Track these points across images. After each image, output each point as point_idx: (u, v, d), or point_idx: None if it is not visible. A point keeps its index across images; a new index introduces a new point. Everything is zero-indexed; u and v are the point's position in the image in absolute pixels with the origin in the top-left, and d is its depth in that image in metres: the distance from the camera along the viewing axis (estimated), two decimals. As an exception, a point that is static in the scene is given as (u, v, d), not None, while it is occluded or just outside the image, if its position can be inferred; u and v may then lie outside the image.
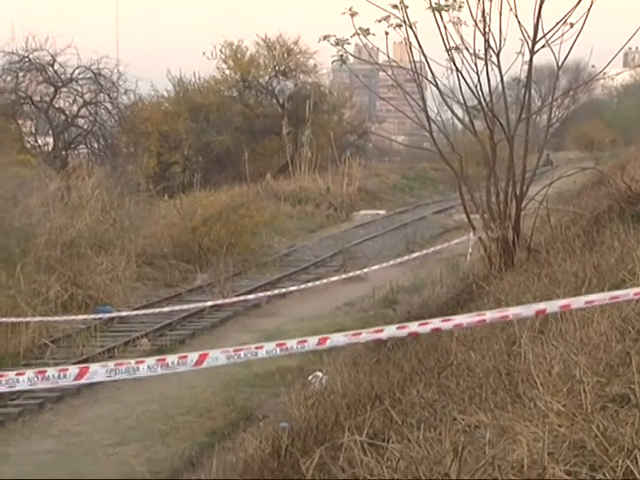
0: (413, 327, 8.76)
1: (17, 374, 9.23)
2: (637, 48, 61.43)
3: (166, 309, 22.43)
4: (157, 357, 10.36)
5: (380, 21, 16.43)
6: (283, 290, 24.46)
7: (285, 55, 47.04)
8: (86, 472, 14.58)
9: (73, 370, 9.19)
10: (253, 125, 45.17)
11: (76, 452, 15.43)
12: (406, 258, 23.35)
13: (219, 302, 23.11)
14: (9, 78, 39.86)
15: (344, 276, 23.19)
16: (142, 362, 9.28)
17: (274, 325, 22.65)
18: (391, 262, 22.62)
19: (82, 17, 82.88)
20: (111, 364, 9.93)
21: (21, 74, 40.31)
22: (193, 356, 8.75)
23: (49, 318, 21.22)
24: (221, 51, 47.64)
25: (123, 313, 22.61)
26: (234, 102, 46.15)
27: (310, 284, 23.37)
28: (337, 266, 29.42)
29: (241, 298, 23.67)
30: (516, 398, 7.88)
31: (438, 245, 24.70)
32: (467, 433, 7.22)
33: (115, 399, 17.24)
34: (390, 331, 8.80)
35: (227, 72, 47.14)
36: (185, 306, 23.15)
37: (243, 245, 31.16)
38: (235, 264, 29.35)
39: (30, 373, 9.00)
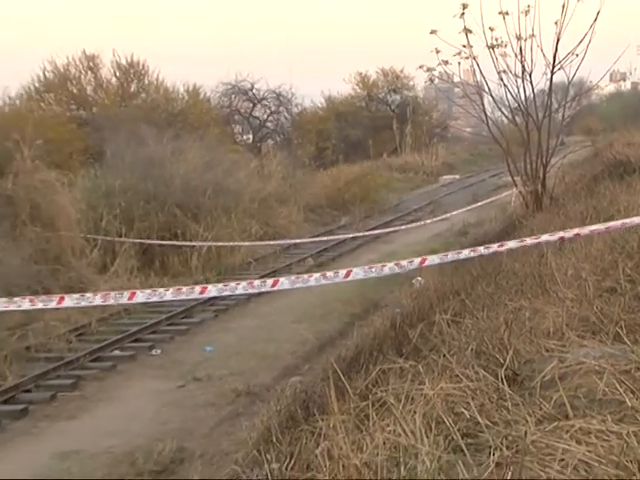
0: (480, 250, 11.00)
1: (236, 283, 12.40)
2: (617, 70, 76.28)
3: (323, 239, 28.39)
4: (321, 272, 12.71)
5: (455, 55, 21.82)
6: (395, 228, 29.65)
7: (395, 79, 61.18)
8: (278, 337, 17.80)
9: (269, 281, 12.21)
10: (374, 124, 57.75)
11: (271, 326, 18.92)
12: (473, 205, 28.99)
13: (356, 235, 28.97)
14: (225, 99, 51.78)
15: (434, 218, 28.95)
16: (311, 276, 11.96)
17: (390, 249, 27.50)
18: (463, 208, 28.66)
19: (267, 53, 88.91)
20: (292, 277, 12.51)
21: (233, 96, 52.24)
22: (343, 272, 11.00)
23: (252, 243, 26.54)
24: (354, 77, 61.11)
25: (297, 241, 28.22)
26: (362, 109, 59.73)
27: (413, 224, 29.65)
28: (429, 211, 36.58)
29: (369, 232, 29.69)
30: (544, 291, 9.01)
31: (493, 197, 30.70)
32: (513, 313, 8.16)
33: (293, 295, 19.48)
34: (465, 252, 11.16)
35: (358, 90, 61.09)
36: (334, 237, 29.12)
37: (370, 199, 39.16)
38: (365, 211, 36.97)
39: (244, 283, 12.07)
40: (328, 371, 8.83)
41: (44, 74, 42.55)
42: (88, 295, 12.02)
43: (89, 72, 43.25)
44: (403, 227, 29.34)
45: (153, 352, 17.87)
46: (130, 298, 11.23)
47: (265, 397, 12.98)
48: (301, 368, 15.18)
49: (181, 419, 13.68)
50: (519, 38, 21.19)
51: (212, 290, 11.69)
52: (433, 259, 11.08)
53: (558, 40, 21.42)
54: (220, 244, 25.21)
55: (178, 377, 15.95)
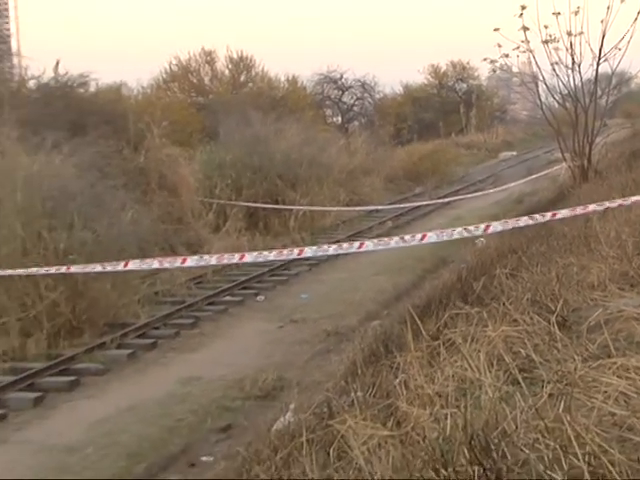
0: (537, 217, 10.73)
1: (328, 246, 12.54)
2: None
3: (400, 205, 28.37)
4: (400, 236, 12.75)
5: (514, 49, 21.73)
6: (462, 196, 29.58)
7: (462, 69, 60.27)
8: (361, 287, 17.60)
9: (356, 244, 12.28)
10: (444, 108, 57.32)
11: (356, 278, 18.90)
12: (528, 178, 28.41)
13: (428, 202, 28.88)
14: (318, 87, 51.58)
15: (495, 188, 28.79)
16: (392, 239, 11.96)
17: (457, 214, 27.40)
18: (520, 180, 28.03)
19: (354, 47, 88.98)
20: (375, 240, 12.60)
21: (325, 84, 52.13)
22: (419, 236, 10.97)
23: (340, 208, 26.57)
24: (428, 69, 60.40)
25: (378, 207, 28.17)
26: (434, 96, 59.00)
27: (476, 193, 29.66)
28: (490, 182, 35.68)
29: (439, 200, 29.56)
30: (589, 250, 9.06)
31: (545, 170, 29.48)
32: (563, 268, 8.25)
33: (374, 252, 18.58)
34: (523, 220, 10.85)
35: (430, 79, 60.34)
36: (409, 204, 29.01)
37: (440, 171, 38.66)
38: (435, 181, 36.85)
39: (334, 246, 12.25)
40: (404, 315, 8.80)
41: (170, 67, 43.20)
42: (206, 256, 12.21)
43: (207, 65, 43.68)
44: (468, 195, 29.33)
45: (258, 298, 18.03)
46: (240, 259, 11.38)
47: (351, 337, 12.99)
48: (381, 313, 15.18)
49: (281, 354, 13.85)
50: (570, 34, 21.17)
51: (308, 251, 11.73)
52: (496, 226, 10.86)
53: (603, 36, 21.44)
54: (314, 209, 25.31)
55: (278, 319, 16.11)
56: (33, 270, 12.64)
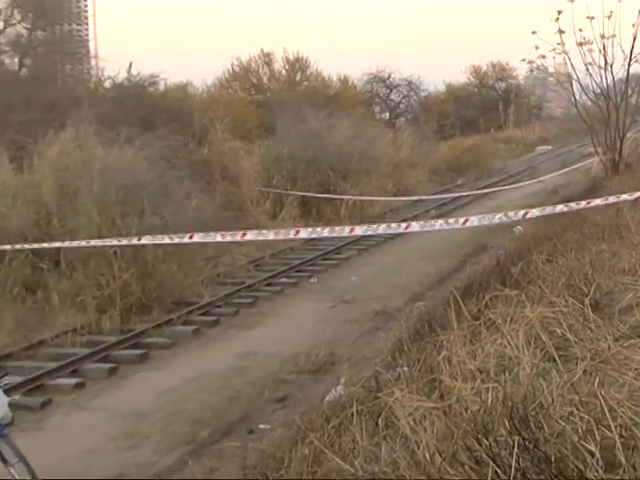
0: (571, 205, 10.76)
1: (377, 225, 12.42)
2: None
3: (442, 195, 27.96)
4: (443, 219, 12.78)
5: (550, 51, 21.53)
6: (500, 187, 29.29)
7: (501, 70, 59.42)
8: (407, 271, 17.57)
9: (403, 225, 12.31)
10: (484, 105, 56.84)
11: (402, 262, 18.87)
12: (562, 170, 28.05)
13: (468, 193, 28.32)
14: (368, 85, 51.13)
15: (531, 180, 28.33)
16: (436, 222, 12.04)
17: (496, 204, 26.34)
18: (555, 172, 27.63)
19: (401, 48, 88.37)
20: (421, 222, 12.71)
21: (374, 83, 51.74)
22: (461, 220, 11.00)
23: (387, 198, 26.44)
24: (469, 69, 59.64)
25: (422, 197, 27.78)
26: (475, 94, 58.30)
27: (514, 184, 29.23)
28: (527, 174, 34.70)
29: (479, 191, 29.09)
30: (621, 237, 9.10)
31: (578, 164, 28.80)
32: (596, 254, 8.23)
33: (419, 239, 19.96)
34: (559, 207, 10.80)
35: (472, 79, 59.73)
36: (451, 194, 28.67)
37: (480, 164, 38.31)
38: (476, 173, 36.56)
39: (383, 225, 12.18)
40: (447, 297, 8.77)
41: (232, 68, 43.35)
42: (264, 231, 12.31)
43: (265, 66, 43.75)
44: (506, 187, 29.01)
45: (311, 280, 18.07)
46: (296, 234, 11.41)
47: (397, 316, 12.95)
48: (425, 295, 15.12)
49: (332, 331, 13.87)
50: (603, 37, 21.04)
51: (358, 230, 11.75)
52: (534, 212, 10.77)
53: (634, 39, 21.19)
54: (363, 198, 25.25)
55: (330, 300, 16.12)
56: (107, 241, 12.73)
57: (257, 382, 11.44)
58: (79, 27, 35.24)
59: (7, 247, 13.32)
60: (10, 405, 8.27)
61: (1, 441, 8.07)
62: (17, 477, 8.11)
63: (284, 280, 17.86)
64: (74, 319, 14.06)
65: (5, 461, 8.12)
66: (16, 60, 27.24)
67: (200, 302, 15.60)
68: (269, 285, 17.39)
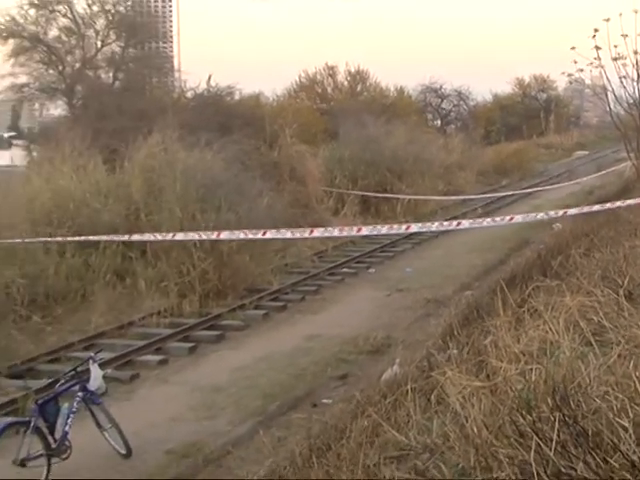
0: (607, 205, 10.82)
1: (431, 223, 12.51)
2: None
3: (489, 195, 27.73)
4: (490, 217, 12.79)
5: (588, 65, 21.17)
6: (541, 188, 28.82)
7: (542, 82, 59.01)
8: (456, 263, 17.55)
9: (454, 222, 12.32)
10: (527, 113, 56.09)
11: (452, 255, 18.88)
12: (598, 173, 27.62)
13: (512, 193, 28.11)
14: (421, 95, 50.51)
15: (569, 182, 27.62)
16: (484, 219, 12.02)
17: (537, 203, 26.49)
18: (591, 175, 27.26)
19: (451, 61, 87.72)
20: (471, 220, 12.61)
21: (427, 93, 51.08)
22: (507, 217, 11.16)
23: (439, 197, 26.12)
24: (513, 81, 59.27)
25: (471, 196, 27.43)
26: (518, 103, 57.71)
27: (554, 185, 28.83)
28: (566, 176, 33.74)
29: (522, 191, 28.71)
30: None
31: (613, 167, 28.32)
32: (629, 249, 8.10)
33: (467, 234, 19.61)
34: (596, 207, 10.93)
35: (516, 90, 59.29)
36: (497, 194, 28.35)
37: (523, 167, 38.08)
38: (519, 175, 36.17)
39: (436, 223, 12.27)
40: (493, 287, 8.72)
41: (299, 79, 43.52)
42: (330, 228, 12.32)
43: (329, 77, 43.78)
44: (547, 187, 28.66)
45: (369, 271, 18.07)
46: (358, 231, 11.41)
47: (447, 304, 12.90)
48: (472, 285, 15.04)
49: (388, 317, 13.86)
50: (636, 53, 20.51)
51: (414, 227, 11.72)
52: (572, 211, 10.69)
53: None
54: (417, 197, 25.12)
55: (386, 288, 16.10)
56: (190, 235, 12.85)
57: (320, 361, 11.49)
58: (165, 45, 35.71)
59: (104, 237, 13.54)
60: (104, 377, 8.48)
61: (97, 409, 8.29)
62: (111, 441, 8.30)
63: (345, 270, 17.87)
64: (158, 303, 14.26)
65: (100, 426, 8.33)
66: (110, 74, 27.74)
67: (270, 289, 15.70)
68: (332, 274, 17.42)
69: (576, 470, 3.00)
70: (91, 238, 13.39)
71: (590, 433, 3.14)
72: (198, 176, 16.32)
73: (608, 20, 20.18)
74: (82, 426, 8.17)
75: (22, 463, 7.41)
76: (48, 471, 7.58)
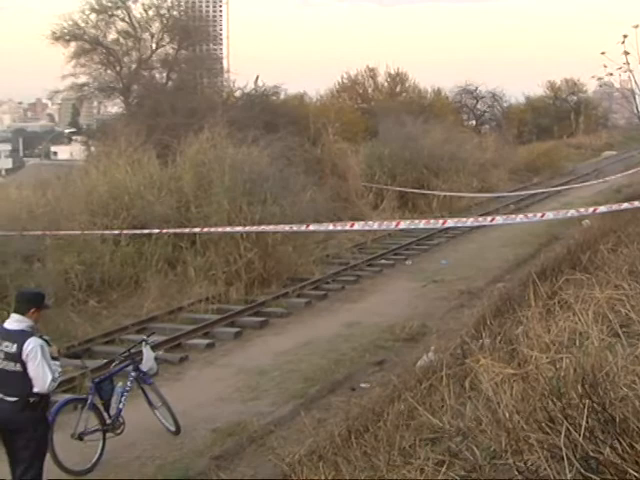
0: (635, 203, 10.22)
1: (466, 218, 12.44)
2: None
3: (521, 192, 27.48)
4: (523, 213, 12.64)
5: (617, 69, 20.67)
6: (571, 186, 28.40)
7: (573, 85, 57.51)
8: (489, 256, 17.40)
9: (488, 218, 12.22)
10: (558, 115, 54.95)
11: (485, 249, 18.61)
12: (625, 172, 26.36)
13: (544, 190, 27.65)
14: (458, 97, 49.34)
15: (598, 180, 26.82)
16: (517, 215, 11.88)
17: (567, 200, 25.89)
18: (619, 174, 26.19)
19: (486, 65, 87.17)
20: (504, 216, 12.51)
21: (463, 95, 49.89)
22: (539, 214, 11.16)
23: (473, 194, 25.78)
24: (545, 84, 57.92)
25: (504, 193, 26.99)
26: (550, 105, 56.60)
27: (583, 184, 27.87)
28: (594, 175, 32.88)
29: (553, 189, 28.02)
30: None
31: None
32: None
33: (500, 229, 19.16)
34: (625, 205, 10.51)
35: (547, 92, 58.07)
36: (529, 191, 28.00)
37: (554, 166, 37.33)
38: (550, 174, 35.39)
39: (471, 218, 12.14)
40: (525, 279, 8.65)
41: (342, 80, 43.45)
42: (370, 222, 12.31)
43: (370, 79, 43.56)
44: (576, 185, 28.03)
45: (406, 262, 18.01)
46: (397, 225, 11.35)
47: (480, 295, 12.85)
48: (505, 277, 14.93)
49: (424, 306, 13.81)
50: (663, 58, 20.14)
51: (450, 222, 11.67)
52: (602, 208, 10.51)
53: None
54: (452, 194, 24.85)
55: (422, 279, 16.04)
56: (237, 229, 12.93)
57: (359, 347, 11.50)
58: (215, 47, 35.79)
59: (155, 231, 13.70)
60: (155, 359, 8.58)
61: (148, 388, 8.39)
62: (161, 418, 8.40)
63: (383, 262, 17.84)
64: (207, 290, 14.34)
65: (151, 404, 8.44)
66: (164, 75, 28.04)
67: (311, 279, 15.72)
68: (370, 266, 17.40)
69: (603, 454, 2.98)
70: (145, 231, 13.51)
71: (617, 420, 3.12)
72: (245, 171, 16.39)
73: (637, 27, 19.82)
74: (135, 404, 8.30)
75: (79, 437, 7.59)
76: (103, 445, 7.73)
